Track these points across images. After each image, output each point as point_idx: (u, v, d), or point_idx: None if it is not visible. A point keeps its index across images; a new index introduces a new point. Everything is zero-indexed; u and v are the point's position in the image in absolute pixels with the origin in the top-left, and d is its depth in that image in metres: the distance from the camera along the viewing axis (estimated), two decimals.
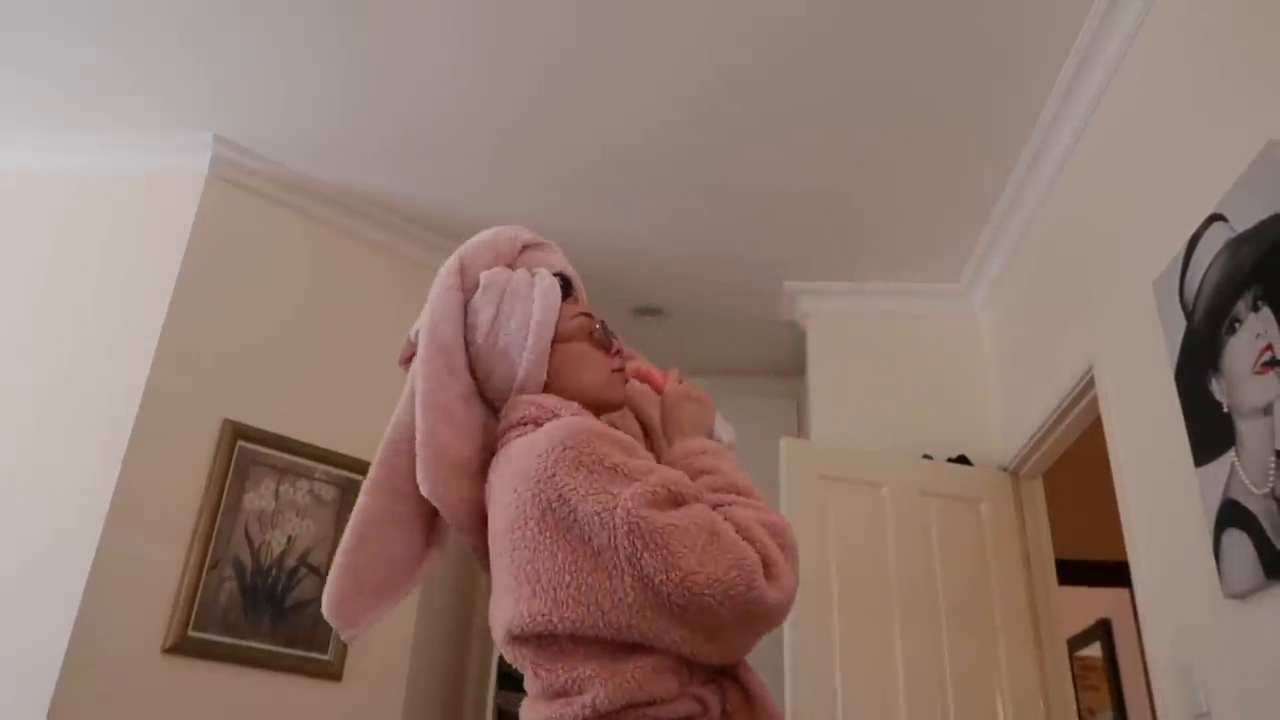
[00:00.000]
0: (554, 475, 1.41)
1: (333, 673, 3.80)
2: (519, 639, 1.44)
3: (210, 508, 3.72)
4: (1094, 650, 6.33)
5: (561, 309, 1.71)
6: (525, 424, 1.57)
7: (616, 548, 1.35)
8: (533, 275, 1.76)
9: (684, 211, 4.45)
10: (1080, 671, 6.25)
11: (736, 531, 1.39)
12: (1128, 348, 3.11)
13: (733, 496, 1.47)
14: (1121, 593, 5.34)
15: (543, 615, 1.39)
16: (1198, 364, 2.57)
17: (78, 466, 3.60)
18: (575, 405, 1.60)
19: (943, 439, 4.42)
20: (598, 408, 1.67)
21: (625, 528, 1.34)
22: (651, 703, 1.36)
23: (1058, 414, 3.73)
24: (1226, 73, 2.59)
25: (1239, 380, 2.37)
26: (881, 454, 4.33)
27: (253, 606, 3.71)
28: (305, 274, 4.32)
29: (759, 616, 1.35)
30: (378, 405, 4.29)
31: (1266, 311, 2.26)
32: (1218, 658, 2.55)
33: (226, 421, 3.85)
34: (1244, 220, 2.36)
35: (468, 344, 1.71)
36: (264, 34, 3.55)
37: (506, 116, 3.89)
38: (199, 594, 3.60)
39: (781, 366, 5.60)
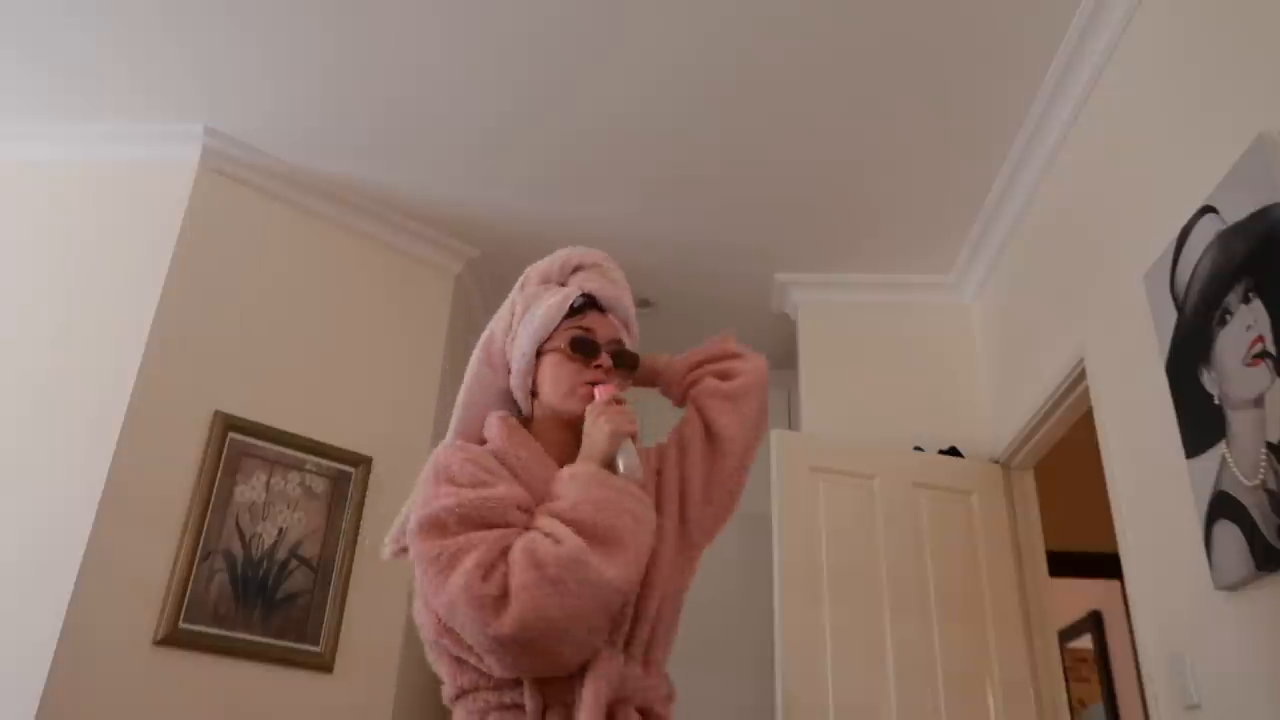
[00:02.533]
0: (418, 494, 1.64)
1: (324, 664, 3.79)
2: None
3: (201, 499, 3.71)
4: (1085, 642, 6.35)
5: (561, 325, 1.81)
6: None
7: (416, 564, 1.55)
8: (553, 296, 1.88)
9: (672, 202, 4.45)
10: (1071, 663, 6.27)
11: (505, 561, 1.48)
12: (1119, 340, 3.11)
13: (546, 521, 1.53)
14: (1112, 584, 5.37)
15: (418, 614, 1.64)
16: (1189, 356, 2.57)
17: (68, 458, 3.59)
18: (498, 426, 1.77)
19: (934, 431, 4.42)
20: (561, 419, 1.78)
21: (412, 543, 1.56)
22: (478, 689, 1.56)
23: (1049, 406, 3.74)
24: (1217, 65, 2.59)
25: (1230, 372, 2.37)
26: (872, 446, 4.34)
27: (244, 598, 3.71)
28: (296, 265, 4.32)
29: (491, 642, 1.43)
30: (368, 397, 4.31)
31: (1257, 303, 2.26)
32: (1208, 649, 2.56)
33: (218, 413, 3.84)
34: (1235, 212, 2.37)
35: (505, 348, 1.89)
36: (253, 26, 3.54)
37: (491, 106, 3.89)
38: (190, 586, 3.59)
39: (772, 358, 5.54)
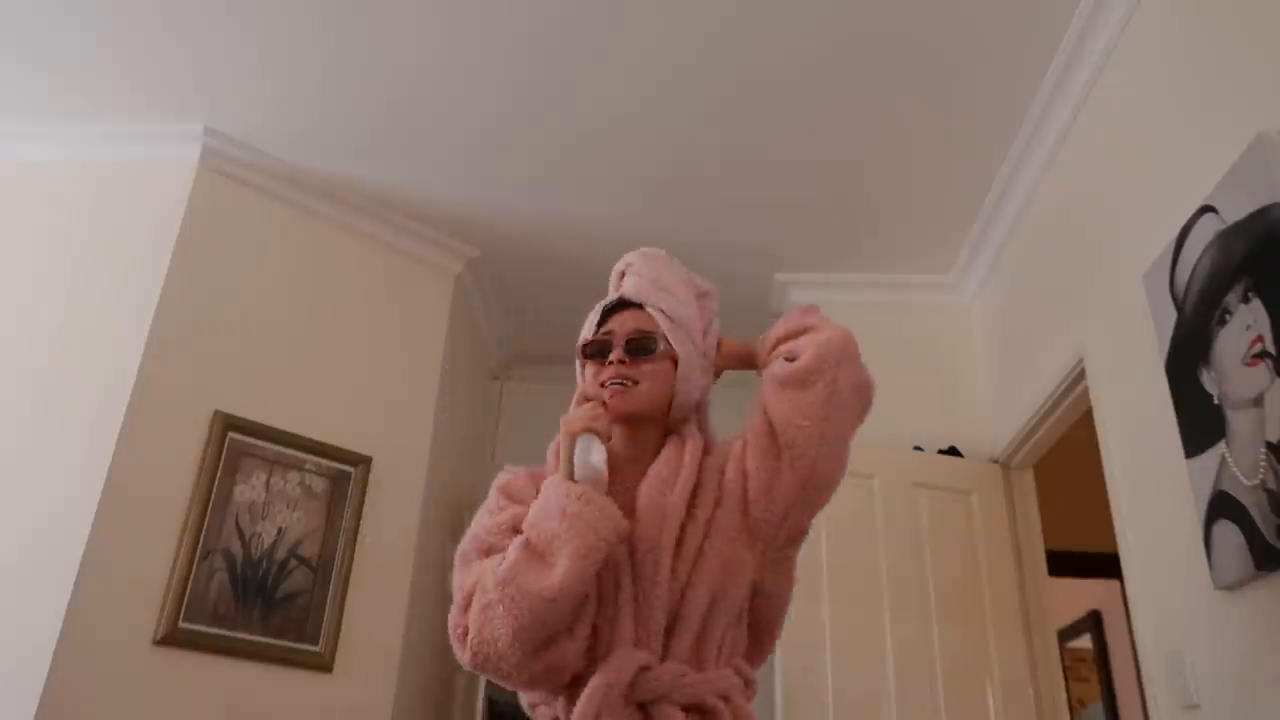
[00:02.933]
0: None
1: (323, 664, 3.79)
2: None
3: (201, 499, 3.71)
4: (1084, 641, 6.35)
5: (596, 335, 1.87)
6: None
7: None
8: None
9: (672, 202, 4.45)
10: (1071, 663, 6.26)
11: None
12: (1118, 339, 3.11)
13: (508, 548, 1.60)
14: (1112, 584, 5.36)
15: None
16: (1188, 355, 2.57)
17: (68, 458, 3.59)
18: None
19: (933, 430, 4.42)
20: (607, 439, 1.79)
21: None
22: (531, 704, 1.67)
23: (1048, 405, 3.74)
24: (1216, 65, 2.59)
25: (1229, 372, 2.37)
26: (872, 445, 4.32)
27: (243, 598, 3.71)
28: (296, 265, 4.32)
29: (473, 668, 1.55)
30: (368, 397, 4.31)
31: (1257, 303, 2.26)
32: (1208, 649, 2.56)
33: (217, 413, 3.84)
34: (1234, 212, 2.36)
35: None
36: (253, 26, 3.54)
37: (490, 105, 3.89)
38: (189, 585, 3.59)
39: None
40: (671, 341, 1.84)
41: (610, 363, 1.80)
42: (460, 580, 1.61)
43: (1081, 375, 3.44)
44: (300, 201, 4.37)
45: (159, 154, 4.12)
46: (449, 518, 4.88)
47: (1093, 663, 6.26)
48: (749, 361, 1.99)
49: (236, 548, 3.76)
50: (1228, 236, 2.39)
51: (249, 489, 3.85)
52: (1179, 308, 2.62)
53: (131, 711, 3.38)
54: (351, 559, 3.97)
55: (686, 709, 1.55)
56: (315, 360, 4.21)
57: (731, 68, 3.63)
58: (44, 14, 3.55)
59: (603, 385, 1.78)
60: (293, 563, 3.86)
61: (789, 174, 4.20)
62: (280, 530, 3.87)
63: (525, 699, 1.66)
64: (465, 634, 1.54)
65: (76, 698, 3.28)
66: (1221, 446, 2.40)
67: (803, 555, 3.94)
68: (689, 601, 1.62)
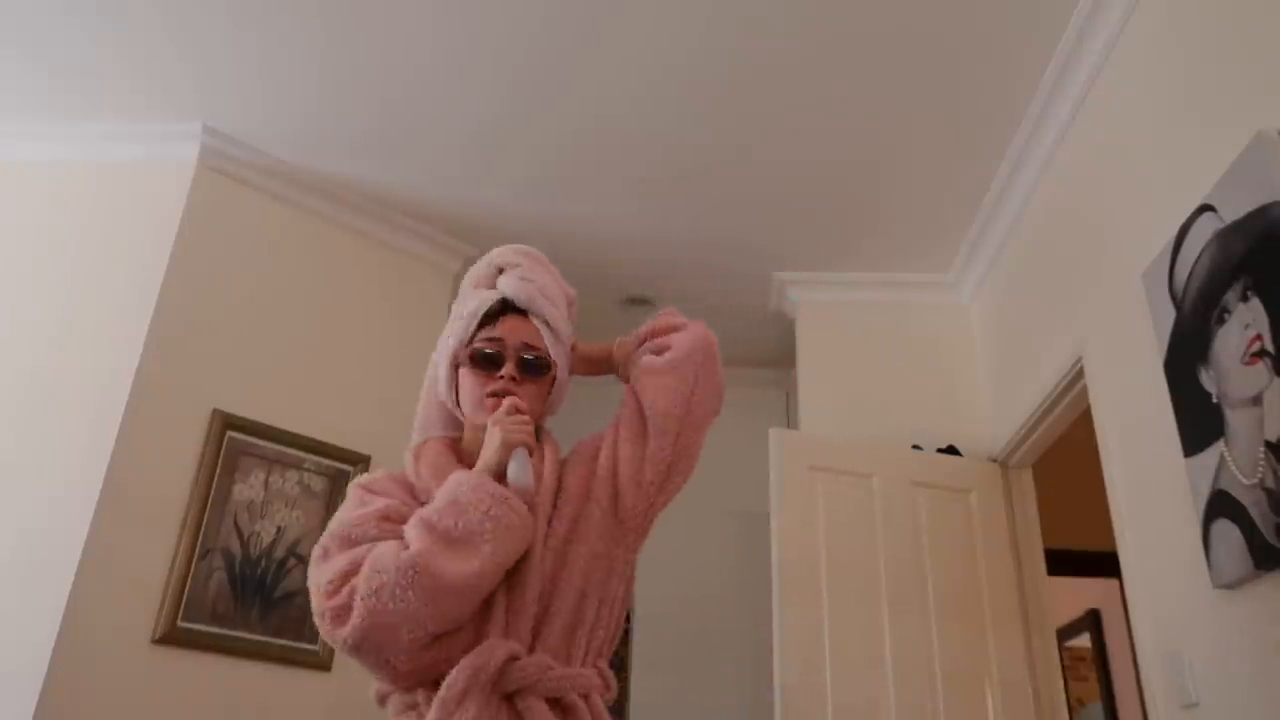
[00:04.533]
0: None
1: (322, 663, 3.79)
2: None
3: (199, 498, 3.71)
4: (1083, 640, 6.35)
5: (476, 337, 1.85)
6: None
7: None
8: (467, 305, 1.91)
9: (670, 201, 4.45)
10: (1069, 662, 6.27)
11: (349, 577, 1.55)
12: (1117, 338, 3.11)
13: (411, 528, 1.60)
14: (1111, 583, 5.37)
15: None
16: (1187, 354, 2.57)
17: (67, 457, 3.59)
18: (426, 448, 1.88)
19: (932, 429, 4.43)
20: (479, 428, 1.82)
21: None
22: (391, 691, 1.63)
23: (1047, 404, 3.74)
24: (1215, 64, 2.58)
25: (1228, 370, 2.37)
26: (871, 444, 4.34)
27: (242, 597, 3.71)
28: (295, 264, 4.32)
29: (346, 649, 1.51)
30: (366, 395, 4.30)
31: (1256, 302, 2.26)
32: (1207, 648, 2.56)
33: (216, 412, 3.84)
34: (1233, 211, 2.36)
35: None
36: (251, 26, 3.54)
37: (486, 105, 3.89)
38: (188, 584, 3.60)
39: (771, 357, 5.59)
40: (552, 355, 1.87)
41: (501, 377, 1.80)
42: (323, 572, 1.58)
43: (1080, 374, 3.44)
44: (299, 200, 4.37)
45: (158, 153, 4.12)
46: None
47: (1091, 662, 6.26)
48: (602, 366, 2.02)
49: (235, 547, 3.76)
50: (1227, 235, 2.39)
51: (248, 488, 3.85)
52: (1178, 307, 2.62)
53: (130, 710, 3.38)
54: None
55: (549, 703, 1.58)
56: (314, 359, 4.21)
57: (727, 67, 3.63)
58: (44, 14, 3.54)
59: (489, 396, 1.79)
60: (291, 561, 3.86)
61: (787, 173, 4.20)
62: (279, 529, 3.87)
63: (377, 689, 1.65)
64: (340, 615, 1.51)
65: (75, 697, 3.28)
66: (1220, 445, 2.40)
67: (801, 554, 3.95)
68: (558, 596, 1.66)
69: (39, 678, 3.23)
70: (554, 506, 1.74)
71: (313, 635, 3.80)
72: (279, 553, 3.84)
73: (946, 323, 4.78)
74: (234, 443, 3.86)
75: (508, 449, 1.70)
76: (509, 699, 1.55)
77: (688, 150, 4.10)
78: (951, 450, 4.33)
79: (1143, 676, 2.96)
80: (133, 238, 3.99)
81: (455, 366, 1.86)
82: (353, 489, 1.78)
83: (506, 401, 1.76)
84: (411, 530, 1.58)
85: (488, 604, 1.61)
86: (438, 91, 3.84)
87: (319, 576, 1.57)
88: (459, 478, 1.65)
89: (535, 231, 4.63)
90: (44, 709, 3.20)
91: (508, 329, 1.84)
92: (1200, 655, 2.59)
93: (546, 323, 1.88)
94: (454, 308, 1.92)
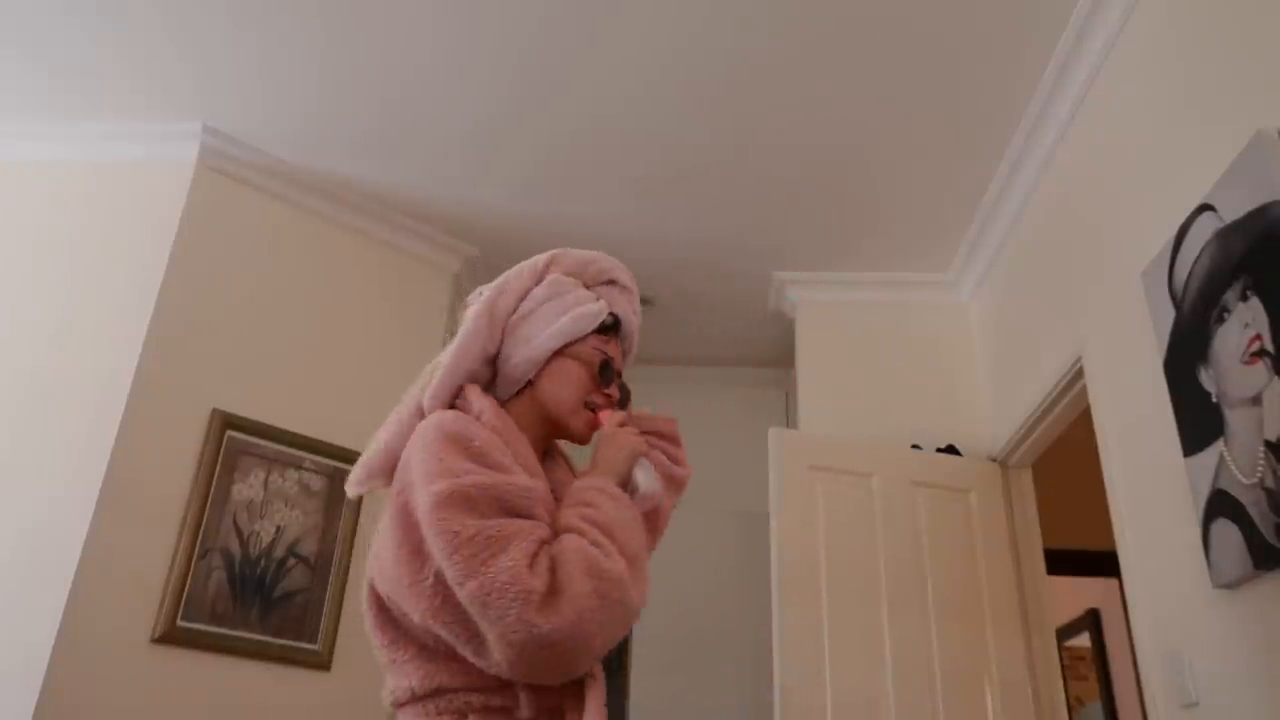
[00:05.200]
0: (408, 461, 1.53)
1: (321, 662, 3.79)
2: (374, 605, 1.55)
3: (199, 497, 3.71)
4: (1083, 640, 6.35)
5: (588, 338, 1.79)
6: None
7: (427, 537, 1.41)
8: (587, 300, 1.83)
9: (670, 200, 4.45)
10: (1069, 661, 6.28)
11: (550, 558, 1.41)
12: (1117, 338, 3.11)
13: (590, 529, 1.48)
14: (1110, 583, 5.38)
15: (384, 593, 1.51)
16: (1187, 354, 2.57)
17: (66, 456, 3.59)
18: (487, 405, 1.68)
19: (932, 429, 4.43)
20: (556, 427, 1.77)
21: (429, 517, 1.40)
22: (461, 689, 1.45)
23: (1047, 404, 3.74)
24: (1215, 63, 2.58)
25: (1228, 370, 2.37)
26: (870, 444, 4.34)
27: (242, 596, 3.71)
28: (295, 263, 4.32)
29: (526, 640, 1.34)
30: (366, 395, 4.30)
31: (1255, 301, 2.26)
32: (1206, 648, 2.56)
33: (215, 411, 3.84)
34: (1233, 210, 2.36)
35: (509, 321, 1.82)
36: (251, 26, 3.54)
37: (484, 105, 3.90)
38: (188, 584, 3.59)
39: (770, 357, 5.60)
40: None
41: (608, 394, 1.79)
42: (489, 529, 1.40)
43: (1080, 374, 3.44)
44: (299, 200, 4.37)
45: (158, 153, 4.12)
46: None
47: (1091, 661, 6.26)
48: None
49: (235, 546, 3.76)
50: (1226, 235, 2.39)
51: (247, 487, 3.85)
52: (1177, 306, 2.62)
53: (130, 710, 3.38)
54: (350, 557, 3.97)
55: None
56: (314, 358, 4.21)
57: (725, 66, 3.63)
58: (44, 14, 3.55)
59: (586, 405, 1.77)
60: (291, 561, 3.86)
61: (786, 172, 4.20)
62: (279, 528, 3.87)
63: (410, 687, 1.48)
64: (543, 598, 1.36)
65: (75, 696, 3.28)
66: (1220, 445, 2.40)
67: (801, 553, 3.95)
68: None
69: (38, 677, 3.23)
70: None
71: (312, 635, 3.80)
72: (278, 552, 3.84)
73: (946, 322, 4.78)
74: (234, 442, 3.86)
75: (634, 459, 1.69)
76: None
77: (686, 150, 4.10)
78: (951, 450, 4.33)
79: (1142, 676, 2.96)
80: (133, 237, 3.99)
81: (558, 354, 1.77)
82: (483, 438, 1.55)
83: (618, 413, 1.77)
84: (596, 535, 1.46)
85: None
86: (437, 91, 3.84)
87: (484, 532, 1.39)
88: (619, 494, 1.60)
89: (534, 231, 4.64)
90: (43, 708, 3.20)
91: (613, 350, 1.84)
92: (1200, 655, 2.59)
93: (628, 356, 1.91)
94: (545, 288, 1.83)
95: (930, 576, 4.02)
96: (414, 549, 1.43)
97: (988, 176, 4.10)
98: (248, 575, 3.75)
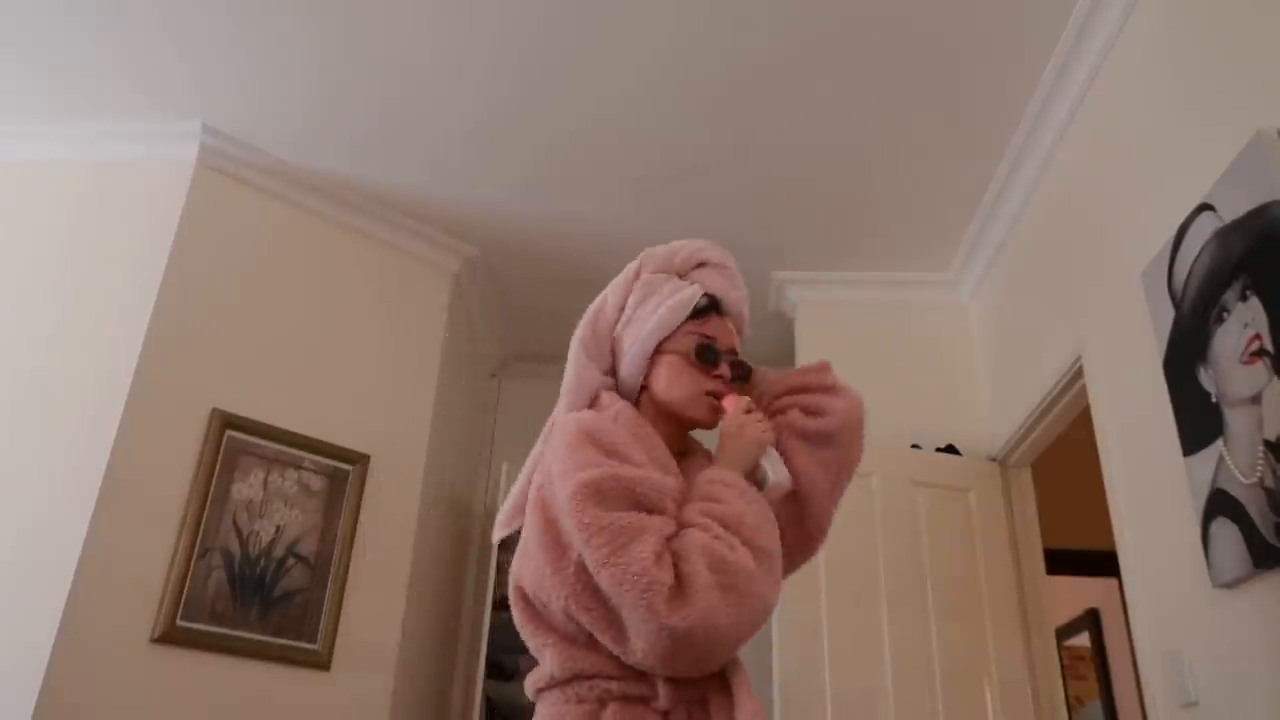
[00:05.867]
0: (549, 456, 1.57)
1: (321, 662, 3.79)
2: (519, 601, 1.60)
3: (199, 497, 3.71)
4: (1082, 640, 6.36)
5: (684, 326, 1.79)
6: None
7: (566, 526, 1.47)
8: (676, 291, 1.83)
9: (669, 200, 4.44)
10: (1069, 661, 6.27)
11: (673, 552, 1.44)
12: (1116, 337, 3.11)
13: (712, 524, 1.49)
14: (1110, 582, 5.37)
15: (526, 580, 1.56)
16: (1186, 353, 2.58)
17: (66, 456, 3.59)
18: (622, 407, 1.71)
19: (931, 429, 4.42)
20: (681, 422, 1.78)
21: (568, 506, 1.46)
22: (599, 675, 1.49)
23: (1046, 403, 3.74)
24: (1214, 63, 2.59)
25: (1227, 370, 2.37)
26: (870, 443, 4.30)
27: (241, 596, 3.71)
28: (294, 263, 4.31)
29: (657, 632, 1.39)
30: (366, 395, 4.31)
31: (1255, 301, 2.26)
32: (1206, 647, 2.56)
33: (215, 411, 3.84)
34: (1232, 210, 2.37)
35: (615, 336, 1.84)
36: (250, 25, 3.54)
37: (483, 105, 3.90)
38: (187, 584, 3.59)
39: (770, 356, 5.58)
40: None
41: (718, 376, 1.77)
42: (622, 521, 1.44)
43: (1079, 373, 3.44)
44: (298, 200, 4.36)
45: (157, 152, 4.12)
46: (447, 515, 4.88)
47: (1091, 661, 6.27)
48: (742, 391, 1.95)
49: (234, 546, 3.76)
50: (1226, 234, 2.39)
51: (247, 487, 3.85)
52: (1177, 306, 2.63)
53: (129, 710, 3.38)
54: (349, 557, 3.97)
55: None
56: (313, 358, 4.21)
57: (724, 66, 3.63)
58: (43, 14, 3.54)
59: (707, 394, 1.76)
60: (291, 561, 3.85)
61: (785, 172, 4.20)
62: (278, 528, 3.87)
63: (551, 673, 1.53)
64: (671, 591, 1.40)
65: (74, 696, 3.27)
66: (1219, 444, 2.40)
67: None
68: None
69: (38, 677, 3.22)
70: None
71: (312, 634, 3.80)
72: (278, 552, 3.84)
73: (946, 322, 4.78)
74: (233, 442, 3.86)
75: (761, 449, 1.68)
76: None
77: (686, 150, 4.10)
78: (951, 449, 4.33)
79: (1142, 675, 2.97)
80: (132, 237, 3.99)
81: (658, 352, 1.79)
82: (616, 432, 1.60)
83: (742, 399, 1.75)
84: (720, 530, 1.49)
85: None
86: (437, 91, 3.84)
87: (618, 524, 1.44)
88: (745, 486, 1.60)
89: (534, 231, 4.64)
90: (43, 708, 3.20)
91: (714, 329, 1.82)
92: (1199, 654, 2.59)
93: (740, 331, 1.88)
94: (634, 285, 1.86)
95: (930, 576, 4.03)
96: (554, 539, 1.50)
97: (987, 176, 4.10)
98: (247, 575, 3.75)
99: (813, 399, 1.84)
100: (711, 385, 1.76)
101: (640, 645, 1.41)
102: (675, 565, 1.42)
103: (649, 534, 1.44)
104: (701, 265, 1.91)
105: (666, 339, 1.78)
